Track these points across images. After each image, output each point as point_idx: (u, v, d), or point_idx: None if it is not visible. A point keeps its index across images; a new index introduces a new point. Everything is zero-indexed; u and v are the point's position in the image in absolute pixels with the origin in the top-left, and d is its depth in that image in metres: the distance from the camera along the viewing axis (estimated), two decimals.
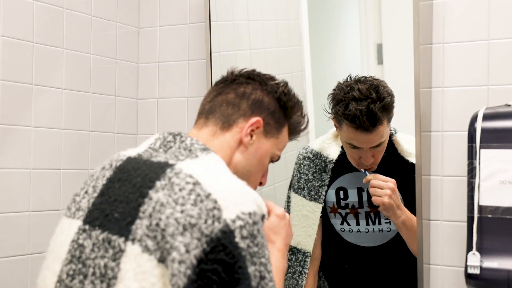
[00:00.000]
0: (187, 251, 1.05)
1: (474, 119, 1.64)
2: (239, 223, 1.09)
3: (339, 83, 1.83)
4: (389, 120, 1.80)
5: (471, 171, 1.62)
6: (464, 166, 1.67)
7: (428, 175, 1.84)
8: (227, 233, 1.07)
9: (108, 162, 1.26)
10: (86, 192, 1.23)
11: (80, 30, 2.14)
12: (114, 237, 1.12)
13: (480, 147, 1.61)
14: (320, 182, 1.95)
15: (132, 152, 1.26)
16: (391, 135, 1.88)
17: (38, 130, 1.99)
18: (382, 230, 1.91)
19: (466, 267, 1.61)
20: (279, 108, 1.34)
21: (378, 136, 1.78)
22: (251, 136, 1.30)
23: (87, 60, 2.17)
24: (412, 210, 1.84)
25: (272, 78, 1.36)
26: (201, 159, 1.20)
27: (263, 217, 1.15)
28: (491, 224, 1.58)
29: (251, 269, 1.08)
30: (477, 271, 1.59)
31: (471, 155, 1.62)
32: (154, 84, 2.34)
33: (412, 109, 1.81)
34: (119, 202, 1.15)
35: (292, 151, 2.10)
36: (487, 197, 1.59)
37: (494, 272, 1.57)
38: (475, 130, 1.62)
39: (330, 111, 1.84)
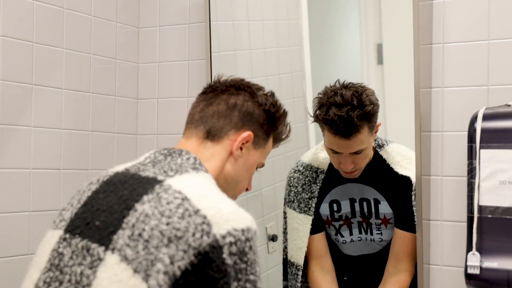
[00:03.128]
0: (171, 263, 1.05)
1: (474, 119, 1.64)
2: (229, 239, 1.09)
3: (326, 87, 1.80)
4: (370, 129, 1.76)
5: (471, 171, 1.62)
6: (464, 166, 1.67)
7: (428, 175, 1.84)
8: (216, 248, 1.07)
9: (96, 178, 1.26)
10: (71, 205, 1.23)
11: (80, 30, 2.14)
12: (93, 245, 1.11)
13: (480, 147, 1.61)
14: (309, 194, 1.94)
15: (120, 168, 1.27)
16: (382, 146, 1.87)
17: (38, 130, 1.99)
18: (373, 240, 1.92)
19: (466, 267, 1.61)
20: (267, 119, 1.35)
21: (357, 143, 1.74)
22: (241, 149, 1.32)
23: (87, 60, 2.17)
24: (406, 222, 1.84)
25: (261, 89, 1.38)
26: (191, 175, 1.20)
27: (255, 233, 1.15)
28: (491, 224, 1.58)
29: (233, 285, 1.08)
30: (477, 271, 1.59)
31: (471, 155, 1.62)
32: (154, 84, 2.34)
33: (412, 109, 1.81)
34: (102, 211, 1.15)
35: (291, 151, 2.10)
36: (487, 197, 1.59)
37: (494, 272, 1.57)
38: (475, 130, 1.62)
39: (312, 115, 1.81)
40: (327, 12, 2.23)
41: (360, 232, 1.92)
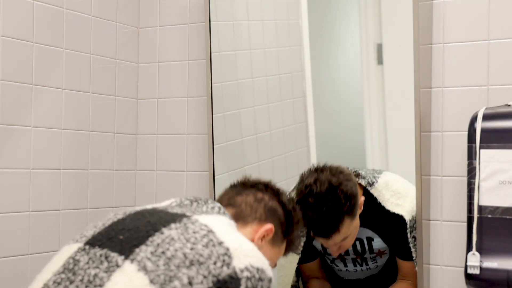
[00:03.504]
0: (190, 283, 1.08)
1: (474, 119, 1.64)
2: (246, 274, 1.13)
3: (301, 175, 1.73)
4: (352, 217, 1.69)
5: (471, 171, 1.62)
6: (464, 166, 1.67)
7: (428, 175, 1.84)
8: (234, 279, 1.11)
9: (122, 211, 1.31)
10: (94, 226, 1.26)
11: (80, 30, 2.14)
12: (113, 254, 1.13)
13: (480, 147, 1.61)
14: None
15: (147, 206, 1.32)
16: (372, 184, 1.83)
17: (38, 130, 1.99)
18: (369, 268, 1.91)
19: (466, 267, 1.61)
20: (287, 220, 1.43)
21: (338, 236, 1.68)
22: (261, 240, 1.37)
23: (87, 60, 2.17)
24: (403, 255, 1.84)
25: (284, 193, 1.48)
26: (217, 216, 1.27)
27: (270, 280, 1.20)
28: (491, 224, 1.58)
29: None
30: (477, 271, 1.59)
31: (471, 155, 1.62)
32: (154, 84, 2.34)
33: (412, 109, 1.81)
34: (127, 230, 1.18)
35: (292, 151, 2.10)
36: (487, 197, 1.59)
37: (494, 272, 1.57)
38: (475, 130, 1.62)
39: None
40: (327, 12, 2.22)
41: (355, 266, 1.91)
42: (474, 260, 1.59)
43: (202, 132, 2.21)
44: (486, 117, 1.62)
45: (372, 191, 1.83)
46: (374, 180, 1.84)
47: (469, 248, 1.61)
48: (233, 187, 1.47)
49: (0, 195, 1.89)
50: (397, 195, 1.84)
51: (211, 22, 2.16)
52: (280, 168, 2.11)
